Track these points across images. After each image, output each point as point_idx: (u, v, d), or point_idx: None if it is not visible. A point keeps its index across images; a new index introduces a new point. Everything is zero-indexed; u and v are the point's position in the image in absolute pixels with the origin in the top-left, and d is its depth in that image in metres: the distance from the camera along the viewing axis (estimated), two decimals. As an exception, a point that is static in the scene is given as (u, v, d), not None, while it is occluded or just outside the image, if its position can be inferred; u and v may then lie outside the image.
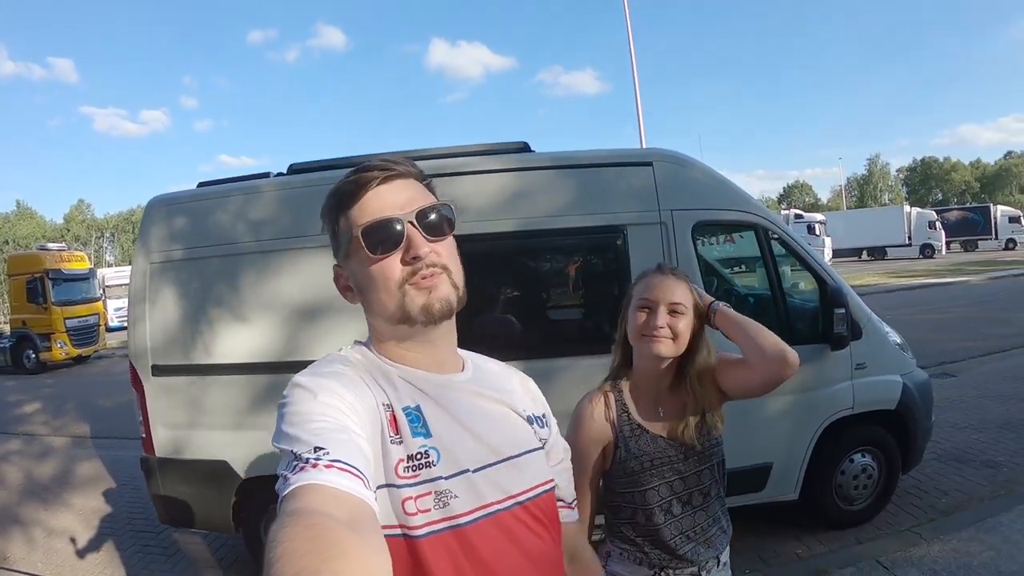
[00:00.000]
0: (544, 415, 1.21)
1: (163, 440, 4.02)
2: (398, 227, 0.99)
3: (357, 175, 1.03)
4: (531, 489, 1.08)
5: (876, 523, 4.27)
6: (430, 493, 0.94)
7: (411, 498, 0.93)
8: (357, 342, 1.12)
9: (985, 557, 3.62)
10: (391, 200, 1.02)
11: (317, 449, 0.80)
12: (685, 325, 1.69)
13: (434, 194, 1.10)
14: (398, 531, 0.92)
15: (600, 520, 1.87)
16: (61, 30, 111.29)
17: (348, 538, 0.66)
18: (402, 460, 0.94)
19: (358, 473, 0.79)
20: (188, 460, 3.98)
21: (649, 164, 3.91)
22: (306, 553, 0.61)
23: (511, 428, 1.12)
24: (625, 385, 1.81)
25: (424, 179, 1.10)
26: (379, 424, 0.95)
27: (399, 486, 0.93)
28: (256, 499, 3.96)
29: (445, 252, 1.04)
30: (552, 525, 1.11)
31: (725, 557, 1.81)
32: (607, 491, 1.81)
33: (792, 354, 1.62)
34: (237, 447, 3.88)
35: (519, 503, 1.04)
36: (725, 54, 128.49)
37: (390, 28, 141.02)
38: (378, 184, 1.02)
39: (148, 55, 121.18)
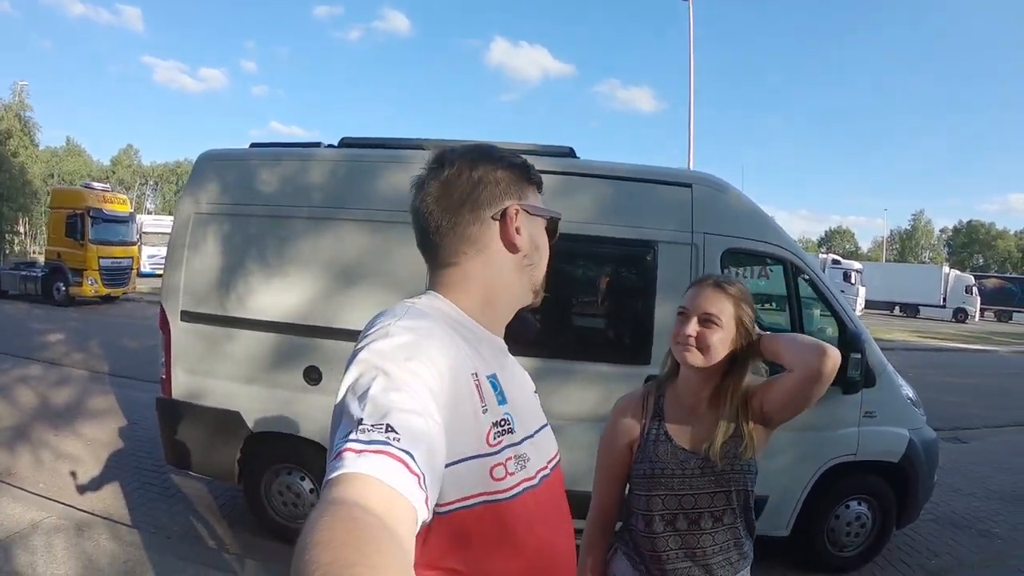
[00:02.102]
0: None
1: (181, 384, 4.17)
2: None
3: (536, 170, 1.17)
4: (557, 453, 1.19)
5: (863, 573, 4.26)
6: (512, 457, 0.99)
7: (500, 463, 0.97)
8: (433, 294, 1.09)
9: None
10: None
11: (389, 429, 0.75)
12: (719, 339, 1.65)
13: None
14: (482, 499, 0.94)
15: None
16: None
17: (387, 538, 0.65)
18: (491, 428, 0.97)
19: (417, 471, 0.74)
20: (202, 406, 4.13)
21: (689, 185, 3.96)
22: (344, 544, 0.60)
23: (535, 396, 1.22)
24: (669, 391, 1.79)
25: None
26: (467, 394, 0.95)
27: (490, 454, 0.96)
28: (261, 453, 4.09)
29: None
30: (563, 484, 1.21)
31: None
32: (629, 492, 1.80)
33: (832, 347, 1.53)
34: (251, 400, 4.00)
35: (556, 464, 1.16)
36: (783, 91, 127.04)
37: (455, 20, 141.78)
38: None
39: (215, 15, 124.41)
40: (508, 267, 1.09)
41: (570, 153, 4.23)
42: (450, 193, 1.06)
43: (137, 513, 4.60)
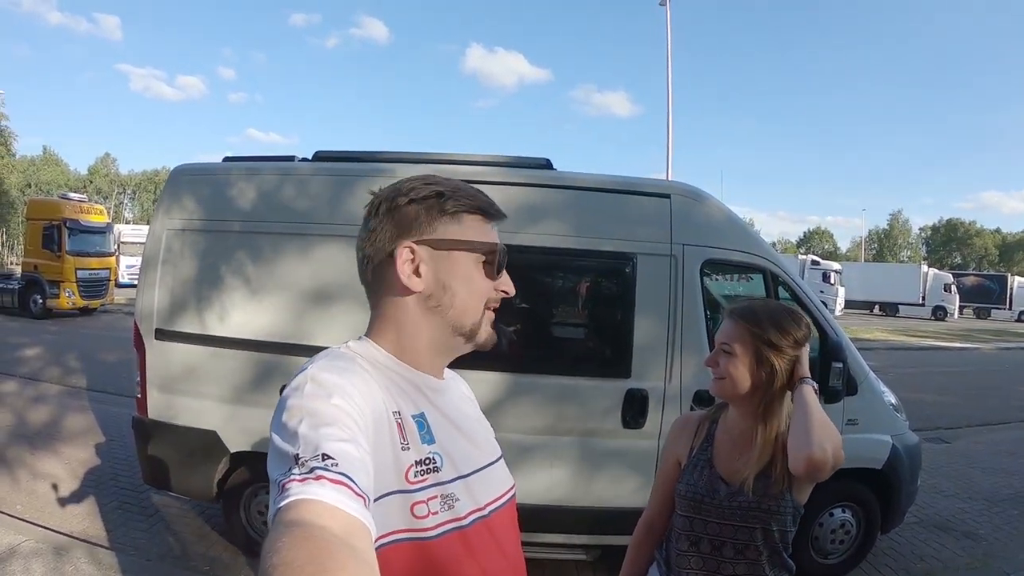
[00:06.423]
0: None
1: (157, 403, 4.09)
2: (506, 260, 1.10)
3: (490, 200, 1.11)
4: (509, 491, 1.16)
5: (848, 580, 4.26)
6: (437, 496, 0.98)
7: (422, 502, 0.97)
8: (361, 339, 1.11)
9: (951, 627, 3.62)
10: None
11: (325, 457, 0.77)
12: (733, 368, 1.64)
13: None
14: (405, 535, 0.95)
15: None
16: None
17: (348, 555, 0.65)
18: (411, 466, 0.97)
19: (360, 493, 0.77)
20: (179, 426, 4.04)
21: (667, 196, 3.94)
22: (306, 563, 0.60)
23: (487, 432, 1.20)
24: (721, 418, 1.79)
25: None
26: (387, 431, 0.96)
27: (410, 491, 0.96)
28: (241, 472, 4.03)
29: None
30: (516, 525, 1.18)
31: None
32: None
33: (820, 469, 1.46)
34: (229, 420, 3.93)
35: (501, 505, 1.12)
36: (761, 94, 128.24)
37: (432, 27, 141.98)
38: (497, 219, 1.12)
39: (193, 23, 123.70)
40: (412, 309, 1.07)
41: (547, 165, 4.19)
42: (371, 235, 1.07)
43: (116, 534, 4.51)
